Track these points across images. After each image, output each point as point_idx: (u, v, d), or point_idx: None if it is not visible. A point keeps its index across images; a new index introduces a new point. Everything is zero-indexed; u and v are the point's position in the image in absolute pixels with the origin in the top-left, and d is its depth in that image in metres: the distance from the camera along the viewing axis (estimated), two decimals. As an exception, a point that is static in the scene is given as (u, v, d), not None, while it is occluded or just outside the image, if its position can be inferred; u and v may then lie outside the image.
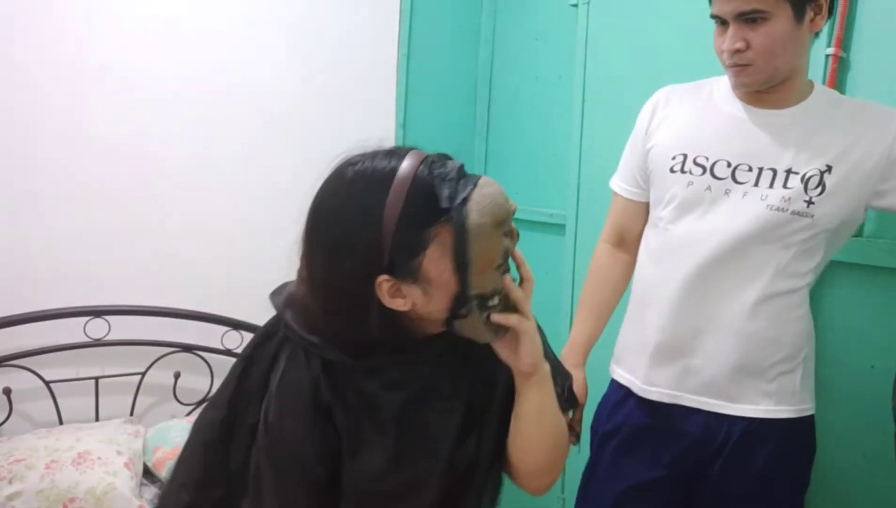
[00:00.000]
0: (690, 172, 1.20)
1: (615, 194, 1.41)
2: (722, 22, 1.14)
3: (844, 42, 1.41)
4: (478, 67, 2.52)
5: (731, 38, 1.11)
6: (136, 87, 1.92)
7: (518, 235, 0.88)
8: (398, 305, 0.83)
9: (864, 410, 1.40)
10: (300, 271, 0.89)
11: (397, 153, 0.83)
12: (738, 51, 1.11)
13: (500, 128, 2.48)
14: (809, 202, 1.13)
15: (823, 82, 1.42)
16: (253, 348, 0.96)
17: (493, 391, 0.97)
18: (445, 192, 0.79)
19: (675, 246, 1.23)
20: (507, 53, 2.44)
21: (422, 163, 0.81)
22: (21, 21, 1.77)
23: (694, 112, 1.26)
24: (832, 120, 1.16)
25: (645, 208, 1.35)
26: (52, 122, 1.83)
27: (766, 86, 1.16)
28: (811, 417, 1.25)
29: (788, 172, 1.14)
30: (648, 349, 1.26)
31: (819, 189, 1.13)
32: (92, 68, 1.86)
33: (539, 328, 0.95)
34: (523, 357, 0.91)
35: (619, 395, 1.33)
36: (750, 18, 1.09)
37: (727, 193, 1.17)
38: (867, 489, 1.40)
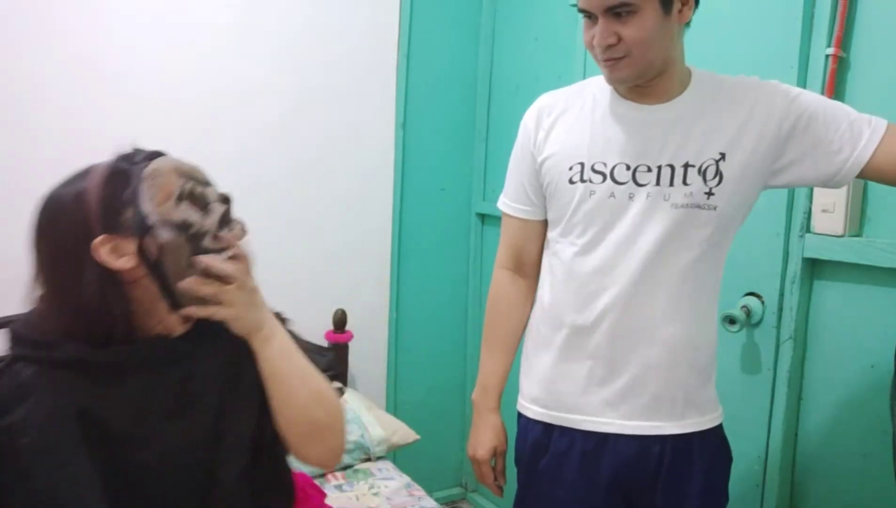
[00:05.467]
0: (591, 181, 1.15)
1: (506, 215, 1.31)
2: (589, 16, 1.08)
3: (844, 42, 1.41)
4: (478, 66, 2.52)
5: (602, 34, 1.06)
6: (136, 86, 1.92)
7: (218, 195, 1.01)
8: (124, 262, 0.89)
9: (863, 410, 1.40)
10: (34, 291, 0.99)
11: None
12: (610, 45, 1.07)
13: (500, 128, 2.48)
14: (710, 194, 1.11)
15: (823, 82, 1.42)
16: None
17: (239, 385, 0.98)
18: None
19: (587, 262, 1.16)
20: (507, 53, 2.44)
21: (116, 158, 0.96)
22: (20, 21, 1.77)
23: (582, 117, 1.19)
24: (719, 105, 1.13)
25: (541, 227, 1.27)
26: (51, 122, 1.82)
27: (642, 80, 1.12)
28: (722, 424, 1.23)
29: (686, 165, 1.11)
30: (574, 377, 1.19)
31: (717, 179, 1.10)
32: (92, 68, 1.86)
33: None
34: (231, 324, 0.95)
35: (537, 430, 1.23)
36: (618, 12, 1.05)
37: (631, 197, 1.13)
38: (867, 488, 1.40)
